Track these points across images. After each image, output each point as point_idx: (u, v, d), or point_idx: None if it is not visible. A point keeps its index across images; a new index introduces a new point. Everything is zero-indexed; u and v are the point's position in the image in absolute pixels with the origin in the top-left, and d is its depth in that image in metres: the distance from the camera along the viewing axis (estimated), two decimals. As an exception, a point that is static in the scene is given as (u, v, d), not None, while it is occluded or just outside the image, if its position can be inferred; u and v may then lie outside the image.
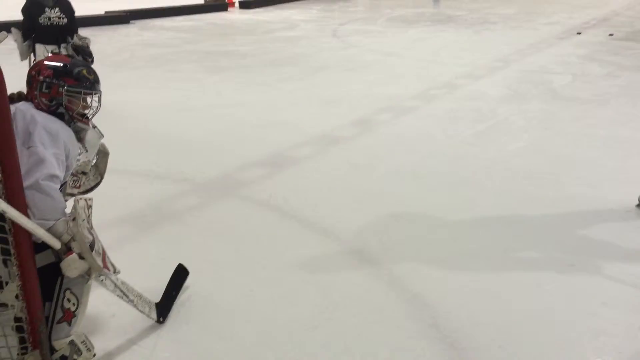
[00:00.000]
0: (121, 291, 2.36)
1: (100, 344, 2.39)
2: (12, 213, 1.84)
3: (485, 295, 2.83)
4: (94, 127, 2.44)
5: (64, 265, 1.97)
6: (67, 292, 2.08)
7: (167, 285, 2.73)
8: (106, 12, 13.23)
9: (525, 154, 4.80)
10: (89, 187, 2.68)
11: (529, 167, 4.51)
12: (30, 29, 5.64)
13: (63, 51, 5.72)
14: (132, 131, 5.32)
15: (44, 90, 2.17)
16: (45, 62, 2.22)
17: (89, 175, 2.65)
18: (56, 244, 1.97)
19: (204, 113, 6.02)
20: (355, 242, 3.34)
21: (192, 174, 4.35)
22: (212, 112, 6.05)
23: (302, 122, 5.73)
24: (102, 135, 2.50)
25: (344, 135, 5.32)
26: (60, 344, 2.09)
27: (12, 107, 2.08)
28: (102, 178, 2.75)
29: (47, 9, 5.62)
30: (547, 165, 4.53)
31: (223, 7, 16.25)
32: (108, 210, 3.62)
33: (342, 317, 2.65)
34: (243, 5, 16.76)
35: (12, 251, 1.93)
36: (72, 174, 2.44)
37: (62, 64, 2.21)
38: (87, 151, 2.40)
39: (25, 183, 1.92)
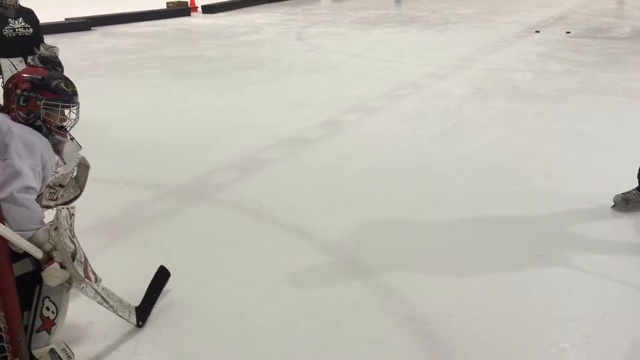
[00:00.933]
0: (102, 297, 2.35)
1: (80, 351, 2.38)
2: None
3: (458, 288, 2.91)
4: (72, 139, 2.44)
5: (45, 274, 1.98)
6: (46, 301, 2.07)
7: (148, 288, 2.73)
8: (66, 19, 13.00)
9: (490, 150, 4.92)
10: (67, 199, 2.69)
11: (494, 163, 4.63)
12: None
13: (31, 63, 5.59)
14: (99, 139, 5.25)
15: (21, 103, 2.18)
16: (23, 75, 2.22)
17: (68, 187, 2.65)
18: (38, 254, 1.97)
19: (171, 118, 6.00)
20: (329, 241, 3.39)
21: (163, 180, 4.34)
22: (180, 117, 6.03)
23: (271, 124, 5.76)
24: (80, 147, 2.50)
25: (313, 136, 5.37)
26: (40, 353, 2.08)
27: None
28: (81, 191, 2.76)
29: (10, 19, 5.42)
30: (512, 161, 4.66)
31: (186, 12, 16.13)
32: (80, 219, 3.58)
33: (320, 314, 2.69)
34: (206, 10, 16.66)
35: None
36: (49, 187, 2.44)
37: (39, 77, 2.23)
38: (65, 163, 2.40)
39: (0, 195, 1.91)
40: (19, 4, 5.60)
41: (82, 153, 2.70)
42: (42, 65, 5.61)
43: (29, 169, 2.02)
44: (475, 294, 2.85)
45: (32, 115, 2.19)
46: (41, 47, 5.64)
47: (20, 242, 1.92)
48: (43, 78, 2.23)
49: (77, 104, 2.33)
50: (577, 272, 3.04)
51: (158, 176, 4.40)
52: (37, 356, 2.09)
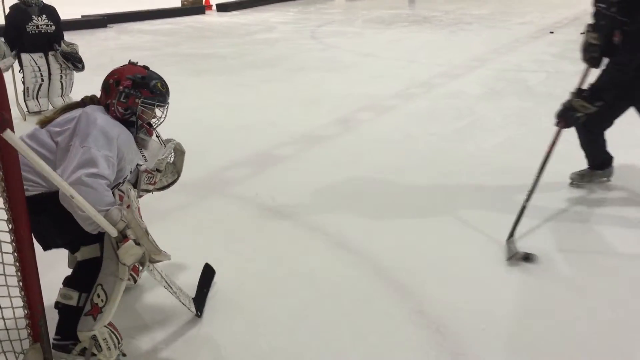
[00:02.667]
0: (167, 282, 2.45)
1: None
2: (79, 199, 1.99)
3: (467, 282, 2.95)
4: (158, 136, 2.66)
5: (121, 252, 2.07)
6: (99, 288, 2.16)
7: (198, 283, 2.83)
8: (83, 16, 13.16)
9: (503, 150, 4.95)
10: (165, 184, 2.89)
11: (506, 162, 4.65)
12: (17, 38, 5.57)
13: (52, 59, 5.71)
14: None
15: (122, 99, 2.37)
16: (125, 73, 2.42)
17: (166, 172, 2.82)
18: (113, 232, 2.09)
19: (187, 115, 6.07)
20: (341, 236, 3.44)
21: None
22: (195, 113, 6.11)
23: (284, 122, 5.82)
24: (163, 145, 2.71)
25: (326, 134, 5.43)
26: (83, 336, 2.16)
27: (79, 110, 2.33)
28: (179, 175, 2.93)
29: (33, 16, 5.56)
30: (524, 160, 4.67)
31: (200, 10, 16.26)
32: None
33: (331, 307, 2.75)
34: (220, 8, 16.78)
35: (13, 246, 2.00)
36: (147, 171, 2.60)
37: (140, 76, 2.42)
38: (147, 161, 2.57)
39: (71, 178, 2.05)
40: (42, 1, 5.73)
41: None
42: (64, 61, 5.73)
43: (103, 158, 2.14)
44: (483, 289, 2.89)
45: (128, 111, 2.38)
46: (62, 44, 5.76)
47: (99, 219, 2.03)
48: (143, 77, 2.42)
49: (168, 104, 2.51)
50: (589, 269, 3.08)
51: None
52: (80, 339, 2.18)
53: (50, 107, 5.93)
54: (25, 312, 2.10)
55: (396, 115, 6.06)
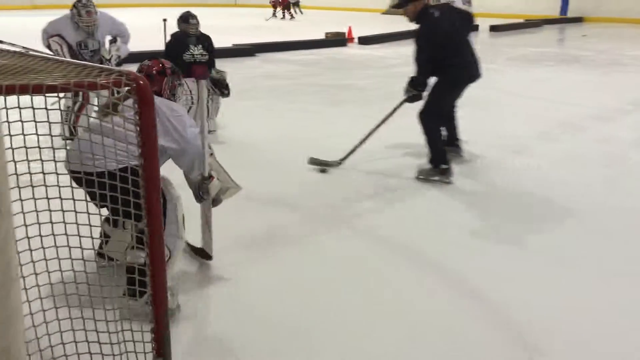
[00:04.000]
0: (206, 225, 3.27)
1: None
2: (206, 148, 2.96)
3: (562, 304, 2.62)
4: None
5: (211, 186, 2.95)
6: None
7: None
8: (234, 45, 13.99)
9: (660, 203, 4.44)
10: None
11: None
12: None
13: (202, 84, 6.09)
14: (251, 157, 5.54)
15: (169, 84, 3.10)
16: (165, 64, 3.11)
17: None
18: (206, 173, 2.96)
19: (319, 143, 6.15)
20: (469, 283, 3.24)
21: (304, 201, 4.45)
22: (327, 142, 6.16)
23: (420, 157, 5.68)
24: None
25: (457, 170, 5.21)
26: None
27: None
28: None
29: (191, 46, 5.98)
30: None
31: (342, 43, 16.64)
32: (223, 233, 3.78)
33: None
34: (362, 41, 17.06)
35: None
36: None
37: (171, 66, 3.15)
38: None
39: (190, 134, 2.89)
40: (199, 31, 6.15)
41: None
42: (212, 86, 6.10)
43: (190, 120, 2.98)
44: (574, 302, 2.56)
45: (171, 93, 3.08)
46: (212, 71, 6.11)
47: (206, 164, 2.95)
48: (173, 66, 3.15)
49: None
50: None
51: (300, 197, 4.52)
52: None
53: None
54: (151, 326, 2.16)
55: (536, 157, 5.69)
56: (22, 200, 1.98)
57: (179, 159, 2.92)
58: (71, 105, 4.80)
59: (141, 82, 1.98)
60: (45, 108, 1.90)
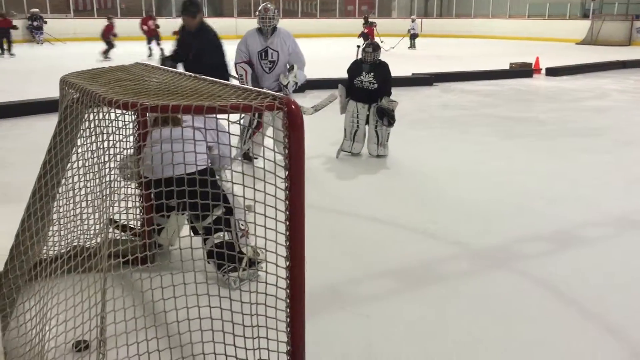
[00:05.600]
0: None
1: None
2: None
3: None
4: None
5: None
6: (239, 222, 3.45)
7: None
8: (413, 74, 14.03)
9: None
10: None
11: None
12: (348, 87, 6.39)
13: (372, 109, 6.21)
14: (416, 187, 5.43)
15: None
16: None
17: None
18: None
19: (489, 177, 5.86)
20: None
21: (467, 239, 4.22)
22: (497, 177, 5.85)
23: (599, 199, 5.14)
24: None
25: (648, 219, 4.61)
26: (249, 250, 3.31)
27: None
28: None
29: (363, 72, 6.25)
30: None
31: (528, 74, 15.84)
32: (380, 261, 3.74)
33: None
34: (550, 72, 16.09)
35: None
36: None
37: None
38: None
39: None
40: (378, 59, 6.37)
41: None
42: (377, 116, 6.20)
43: None
44: None
45: None
46: (384, 100, 6.20)
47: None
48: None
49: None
50: None
51: (463, 234, 4.30)
52: (245, 252, 3.29)
53: (365, 151, 6.38)
54: (288, 348, 2.19)
55: None
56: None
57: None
58: (249, 123, 5.13)
59: (293, 107, 2.04)
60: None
